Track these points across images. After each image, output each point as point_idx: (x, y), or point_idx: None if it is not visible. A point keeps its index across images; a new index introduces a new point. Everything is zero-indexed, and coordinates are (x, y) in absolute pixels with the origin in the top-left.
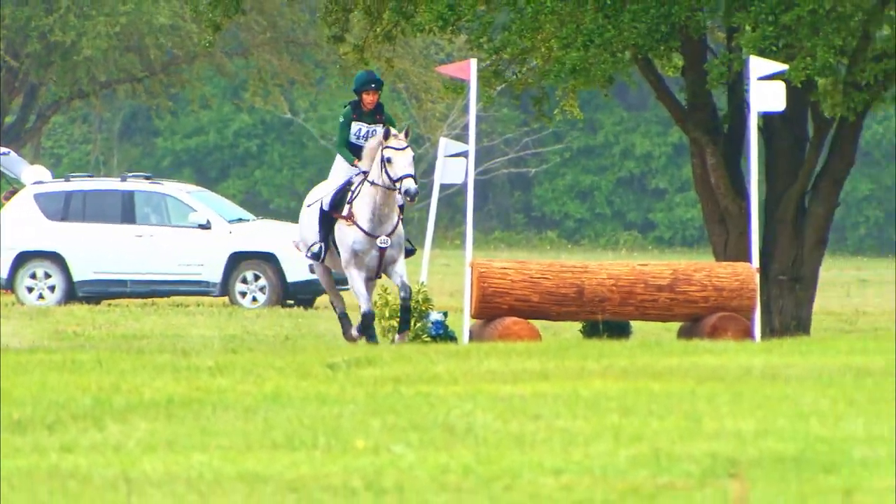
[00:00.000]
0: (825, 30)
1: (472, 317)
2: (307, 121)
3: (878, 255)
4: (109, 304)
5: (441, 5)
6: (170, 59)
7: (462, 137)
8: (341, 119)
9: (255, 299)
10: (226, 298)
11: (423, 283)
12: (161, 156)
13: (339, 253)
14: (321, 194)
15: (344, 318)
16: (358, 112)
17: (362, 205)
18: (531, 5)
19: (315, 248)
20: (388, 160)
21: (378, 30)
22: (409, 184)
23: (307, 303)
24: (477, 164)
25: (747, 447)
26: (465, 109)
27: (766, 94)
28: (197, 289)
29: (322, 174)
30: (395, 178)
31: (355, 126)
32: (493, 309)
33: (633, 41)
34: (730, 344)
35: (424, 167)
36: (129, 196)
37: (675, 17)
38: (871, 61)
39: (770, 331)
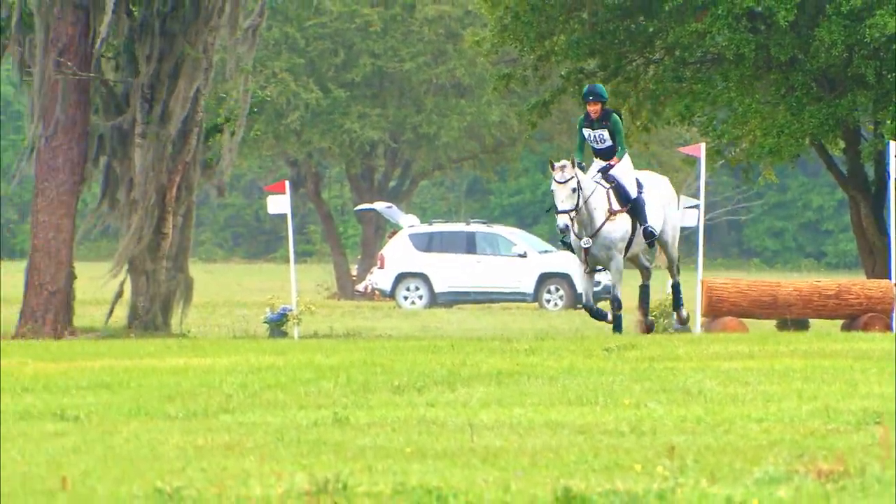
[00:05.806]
0: None
1: (703, 315)
2: None
3: None
4: (458, 308)
5: (680, 106)
6: (498, 143)
7: (695, 195)
8: (578, 126)
9: (556, 305)
10: (536, 304)
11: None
12: (493, 207)
13: None
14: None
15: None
16: (588, 120)
17: None
18: (742, 107)
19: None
20: (552, 191)
21: (638, 123)
22: (559, 220)
23: None
24: (705, 213)
25: (888, 404)
26: (697, 176)
27: None
28: (517, 297)
29: None
30: (552, 210)
31: (586, 132)
32: (716, 310)
33: (810, 131)
34: (876, 335)
35: None
36: (471, 235)
37: (839, 115)
38: None
39: None
